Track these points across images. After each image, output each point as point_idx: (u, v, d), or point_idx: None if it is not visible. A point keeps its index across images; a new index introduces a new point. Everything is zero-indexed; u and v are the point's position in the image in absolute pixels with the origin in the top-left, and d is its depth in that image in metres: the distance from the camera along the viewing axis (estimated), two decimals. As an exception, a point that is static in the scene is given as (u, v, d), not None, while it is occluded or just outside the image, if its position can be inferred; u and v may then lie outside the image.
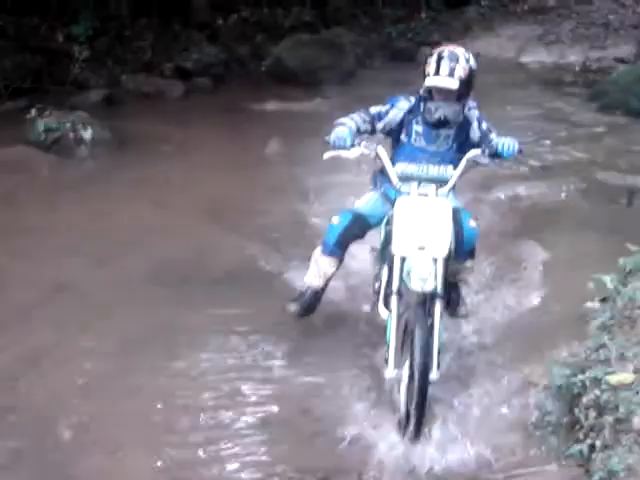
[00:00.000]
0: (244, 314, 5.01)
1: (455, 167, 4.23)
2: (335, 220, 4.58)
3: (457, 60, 4.36)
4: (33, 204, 6.94)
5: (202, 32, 11.87)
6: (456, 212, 4.24)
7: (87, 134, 8.44)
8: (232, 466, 3.74)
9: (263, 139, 8.79)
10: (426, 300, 3.93)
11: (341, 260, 4.68)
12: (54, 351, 4.63)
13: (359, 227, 4.57)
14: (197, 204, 6.94)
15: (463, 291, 4.72)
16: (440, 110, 4.36)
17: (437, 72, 4.33)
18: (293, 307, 4.71)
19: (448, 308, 4.50)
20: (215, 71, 11.45)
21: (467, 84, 4.39)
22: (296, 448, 3.86)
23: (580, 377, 3.65)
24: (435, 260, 3.93)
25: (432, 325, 3.90)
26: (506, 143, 4.22)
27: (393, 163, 4.33)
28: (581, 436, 3.52)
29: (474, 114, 4.53)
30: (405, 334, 3.92)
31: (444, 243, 3.95)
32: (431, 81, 4.35)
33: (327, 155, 4.23)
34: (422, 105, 4.47)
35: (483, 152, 4.19)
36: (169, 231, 6.31)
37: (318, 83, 11.31)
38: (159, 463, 3.73)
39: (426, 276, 3.84)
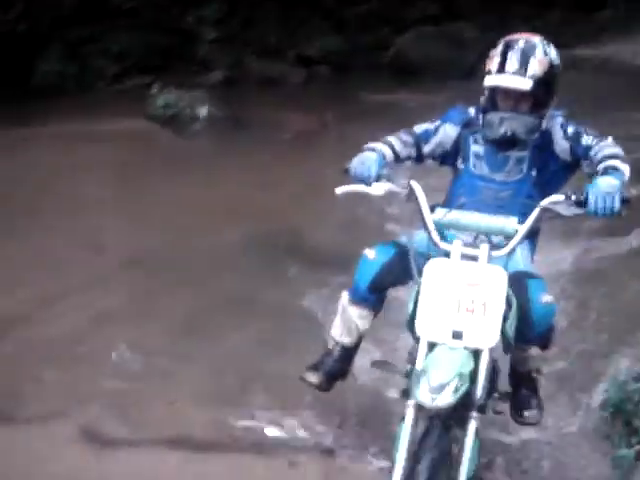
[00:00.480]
0: (320, 294, 5.02)
1: (524, 216, 3.00)
2: (370, 254, 3.28)
3: (532, 52, 3.15)
4: (144, 174, 7.29)
5: (327, 21, 12.02)
6: (521, 279, 3.07)
7: (203, 112, 8.78)
8: (283, 429, 3.84)
9: (378, 131, 8.80)
10: (458, 409, 2.75)
11: (377, 310, 3.41)
12: (121, 314, 4.86)
13: (403, 266, 3.10)
14: (298, 191, 6.99)
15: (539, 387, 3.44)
16: (506, 123, 3.15)
17: (502, 69, 3.13)
18: (313, 377, 3.46)
19: (513, 409, 3.39)
20: (337, 60, 11.57)
21: (546, 86, 3.18)
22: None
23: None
24: (477, 353, 2.82)
25: (462, 447, 2.79)
26: (600, 196, 2.80)
27: (449, 200, 3.33)
28: (634, 443, 3.48)
29: (557, 122, 3.27)
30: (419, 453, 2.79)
31: (492, 329, 2.81)
32: (492, 80, 3.16)
33: (340, 190, 3.14)
34: (483, 117, 3.27)
35: (568, 198, 2.90)
36: (265, 213, 6.43)
37: (438, 77, 11.17)
38: (214, 418, 3.89)
39: (445, 381, 2.65)
